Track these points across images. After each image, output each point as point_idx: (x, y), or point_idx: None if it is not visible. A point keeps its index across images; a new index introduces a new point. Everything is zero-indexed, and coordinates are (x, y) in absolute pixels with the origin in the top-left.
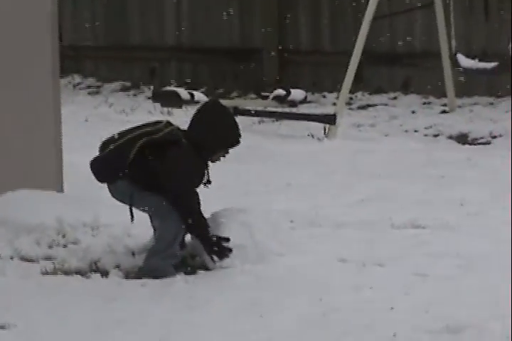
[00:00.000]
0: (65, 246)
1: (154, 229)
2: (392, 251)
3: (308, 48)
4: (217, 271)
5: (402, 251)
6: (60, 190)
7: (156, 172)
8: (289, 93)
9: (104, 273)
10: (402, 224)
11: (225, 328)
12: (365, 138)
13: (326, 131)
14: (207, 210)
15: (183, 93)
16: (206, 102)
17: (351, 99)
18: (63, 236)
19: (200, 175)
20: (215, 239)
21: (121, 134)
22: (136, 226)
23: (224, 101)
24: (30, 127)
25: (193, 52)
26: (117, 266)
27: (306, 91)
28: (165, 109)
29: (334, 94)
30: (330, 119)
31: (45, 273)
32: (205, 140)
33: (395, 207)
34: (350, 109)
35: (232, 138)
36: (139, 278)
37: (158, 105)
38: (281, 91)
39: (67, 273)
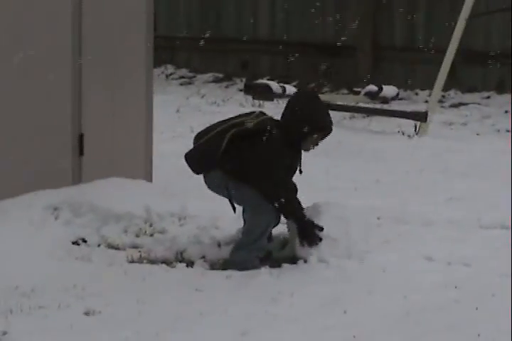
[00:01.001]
0: (151, 235)
1: (244, 221)
2: (479, 251)
3: (402, 45)
4: (302, 265)
5: (489, 251)
6: (149, 179)
7: (248, 162)
8: (381, 89)
9: (190, 264)
10: (491, 224)
11: (308, 323)
12: (456, 137)
13: (417, 128)
14: None
15: (275, 86)
16: (298, 91)
17: (444, 97)
18: (150, 225)
19: (291, 164)
20: (310, 224)
21: (214, 125)
22: (223, 217)
23: None
24: (122, 116)
25: (286, 46)
26: (203, 257)
27: (399, 88)
28: (256, 102)
29: (426, 92)
30: (421, 117)
31: (131, 261)
32: (295, 125)
33: (484, 206)
34: (442, 107)
35: (322, 123)
36: (225, 269)
37: (249, 97)
38: (373, 87)
39: (152, 262)
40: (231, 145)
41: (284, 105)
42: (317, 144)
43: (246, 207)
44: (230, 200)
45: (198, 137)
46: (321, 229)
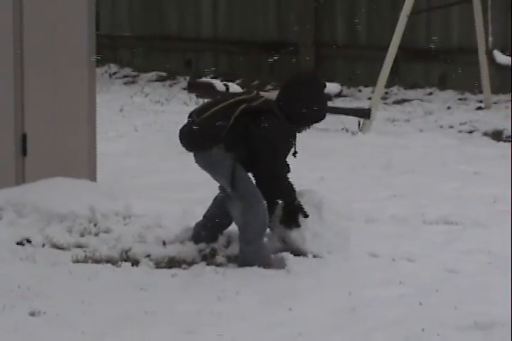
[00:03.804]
0: (96, 234)
1: (221, 194)
2: (423, 247)
3: (344, 42)
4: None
5: (433, 246)
6: (94, 179)
7: (252, 138)
8: (324, 86)
9: (135, 263)
10: (434, 219)
11: (254, 320)
12: (400, 133)
13: (361, 125)
14: None
15: (219, 84)
16: (300, 74)
17: (387, 93)
18: (95, 224)
19: (291, 145)
20: (297, 207)
21: (215, 102)
22: (167, 216)
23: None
24: (65, 115)
25: (229, 44)
26: (148, 256)
27: (342, 85)
28: (200, 100)
29: (370, 89)
30: (365, 113)
31: (76, 261)
32: (298, 113)
33: (428, 202)
34: (385, 103)
35: (322, 114)
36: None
37: (193, 96)
38: None
39: (97, 261)
40: (237, 122)
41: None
42: (309, 129)
43: (235, 193)
44: (232, 180)
45: (198, 113)
46: (306, 216)
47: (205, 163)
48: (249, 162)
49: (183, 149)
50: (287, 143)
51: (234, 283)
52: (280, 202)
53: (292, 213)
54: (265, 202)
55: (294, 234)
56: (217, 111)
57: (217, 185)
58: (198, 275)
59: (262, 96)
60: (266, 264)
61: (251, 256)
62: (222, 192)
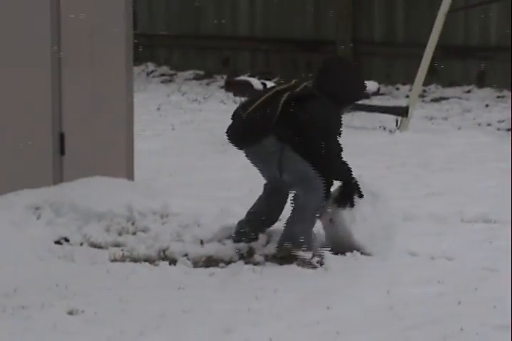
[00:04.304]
0: (134, 233)
1: (265, 190)
2: (461, 245)
3: (382, 40)
4: (285, 259)
5: (471, 245)
6: (131, 178)
7: (302, 124)
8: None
9: (172, 262)
10: (473, 218)
11: (291, 318)
12: (438, 131)
13: (398, 123)
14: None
15: (256, 83)
16: (331, 59)
17: (424, 91)
18: (132, 223)
19: (340, 124)
20: (355, 185)
21: (258, 95)
22: (205, 215)
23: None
24: (103, 114)
25: (266, 42)
26: (185, 255)
27: (379, 83)
28: (237, 99)
29: (407, 87)
30: (402, 111)
31: (114, 260)
32: (340, 92)
33: (466, 200)
34: (423, 101)
35: (362, 92)
36: (280, 246)
37: (230, 94)
38: None
39: (135, 260)
40: (284, 110)
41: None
42: (351, 108)
43: (295, 179)
44: (279, 168)
45: (243, 109)
46: (362, 196)
47: (256, 154)
48: (302, 148)
49: (221, 148)
50: (337, 123)
51: (271, 281)
52: (337, 181)
53: (349, 192)
54: (322, 187)
55: (345, 214)
56: (262, 103)
57: (260, 182)
58: (235, 274)
59: (302, 83)
60: (308, 248)
61: (299, 233)
62: (273, 184)
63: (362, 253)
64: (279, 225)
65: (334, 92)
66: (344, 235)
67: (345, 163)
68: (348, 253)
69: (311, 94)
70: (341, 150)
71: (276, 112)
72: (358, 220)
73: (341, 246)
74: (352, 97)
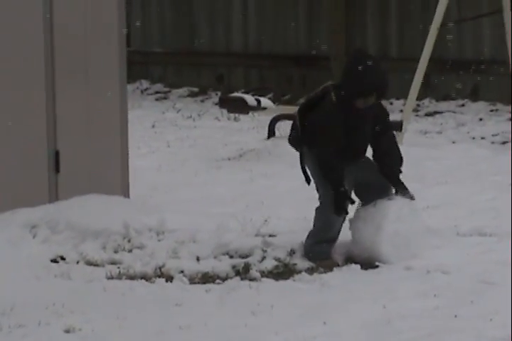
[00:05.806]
0: (130, 250)
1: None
2: (457, 259)
3: (375, 54)
4: (281, 275)
5: (467, 258)
6: (126, 194)
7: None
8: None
9: (169, 278)
10: (468, 231)
11: (289, 334)
12: (432, 145)
13: None
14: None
15: (250, 99)
16: (359, 51)
17: (418, 105)
18: (129, 240)
19: (355, 125)
20: (343, 195)
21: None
22: (201, 231)
23: (291, 108)
24: (97, 132)
25: (260, 58)
26: (182, 272)
27: None
28: (232, 115)
29: (401, 101)
30: (396, 126)
31: (110, 277)
32: (365, 83)
33: (461, 214)
34: (417, 115)
35: (386, 82)
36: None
37: (225, 111)
38: None
39: (132, 277)
40: (303, 119)
41: (258, 118)
42: (368, 102)
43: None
44: (303, 170)
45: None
46: (353, 202)
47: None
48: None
49: (216, 164)
50: (330, 132)
51: (268, 297)
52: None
53: (338, 199)
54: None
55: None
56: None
57: (255, 198)
58: (232, 290)
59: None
60: (318, 259)
61: (305, 249)
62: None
63: (362, 266)
64: (274, 240)
65: (344, 84)
66: (368, 238)
67: (336, 171)
68: (344, 267)
69: (321, 96)
70: (338, 158)
71: (297, 125)
72: (386, 226)
73: (363, 249)
74: (376, 87)
